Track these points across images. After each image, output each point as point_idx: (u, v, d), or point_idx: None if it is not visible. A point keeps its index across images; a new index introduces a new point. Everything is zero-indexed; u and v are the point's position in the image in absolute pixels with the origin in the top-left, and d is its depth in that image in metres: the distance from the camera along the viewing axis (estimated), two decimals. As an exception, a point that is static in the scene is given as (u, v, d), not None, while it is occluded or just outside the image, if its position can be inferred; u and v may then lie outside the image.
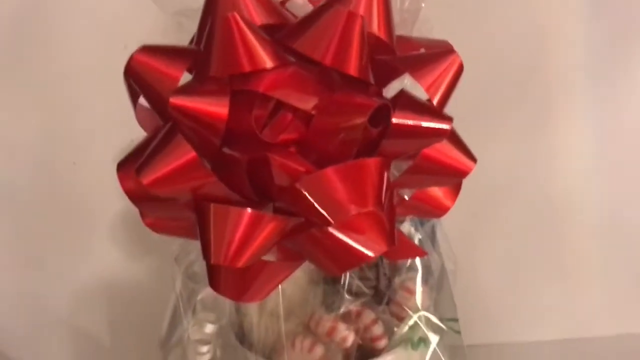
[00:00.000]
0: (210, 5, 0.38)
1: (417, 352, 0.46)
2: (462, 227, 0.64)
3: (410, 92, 0.39)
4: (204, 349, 0.44)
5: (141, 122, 0.41)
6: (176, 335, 0.51)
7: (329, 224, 0.35)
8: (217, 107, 0.36)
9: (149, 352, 0.55)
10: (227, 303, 0.46)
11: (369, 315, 0.45)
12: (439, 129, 0.37)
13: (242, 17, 0.35)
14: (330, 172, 0.35)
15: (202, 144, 0.36)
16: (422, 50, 0.40)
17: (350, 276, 0.45)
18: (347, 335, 0.45)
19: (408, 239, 0.43)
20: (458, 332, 0.46)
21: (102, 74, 0.54)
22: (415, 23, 0.44)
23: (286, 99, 0.37)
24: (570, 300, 0.70)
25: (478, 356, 0.66)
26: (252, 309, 0.47)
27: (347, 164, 0.36)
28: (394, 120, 0.36)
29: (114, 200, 0.67)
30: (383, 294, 0.44)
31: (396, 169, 0.40)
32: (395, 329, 0.45)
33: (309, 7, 0.40)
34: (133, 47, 0.42)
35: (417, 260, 0.44)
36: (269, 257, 0.39)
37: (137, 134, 0.41)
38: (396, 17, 0.40)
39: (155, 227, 0.42)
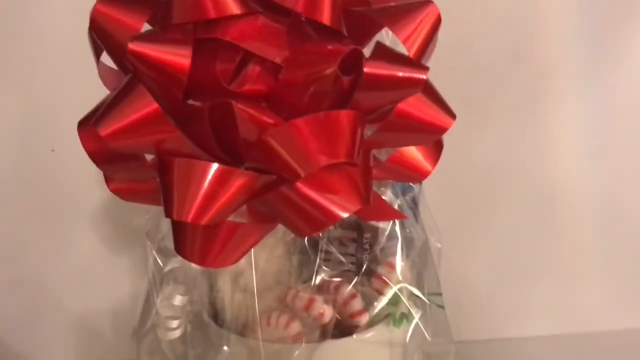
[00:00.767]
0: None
1: (399, 329, 0.44)
2: (456, 220, 0.63)
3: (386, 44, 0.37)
4: (174, 323, 0.42)
5: (104, 81, 0.39)
6: (150, 321, 0.49)
7: (298, 176, 0.33)
8: (178, 57, 0.34)
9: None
10: (198, 277, 0.44)
11: (347, 289, 0.43)
12: (413, 77, 0.35)
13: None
14: (299, 122, 0.34)
15: (164, 96, 0.34)
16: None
17: (327, 246, 0.43)
18: (325, 311, 0.43)
19: (385, 202, 0.41)
20: (442, 307, 0.44)
21: (82, 59, 0.53)
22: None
23: (255, 49, 0.35)
24: (568, 295, 0.69)
25: (474, 352, 0.65)
26: (225, 285, 0.45)
27: (318, 114, 0.34)
28: (366, 69, 0.35)
29: (93, 187, 0.66)
30: (362, 265, 0.42)
31: (370, 132, 0.38)
32: (376, 303, 0.43)
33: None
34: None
35: (398, 230, 0.42)
36: (238, 218, 0.37)
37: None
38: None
39: (120, 192, 0.41)
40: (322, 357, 0.42)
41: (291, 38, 0.36)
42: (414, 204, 0.44)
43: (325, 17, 0.35)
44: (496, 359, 0.67)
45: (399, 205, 0.43)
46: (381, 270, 0.44)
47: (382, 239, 0.42)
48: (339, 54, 0.34)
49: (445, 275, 0.47)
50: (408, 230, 0.43)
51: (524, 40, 0.64)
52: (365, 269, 0.43)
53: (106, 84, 0.39)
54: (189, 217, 0.34)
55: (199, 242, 0.36)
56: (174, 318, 0.42)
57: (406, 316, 0.44)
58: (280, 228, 0.43)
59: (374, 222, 0.42)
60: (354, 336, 0.43)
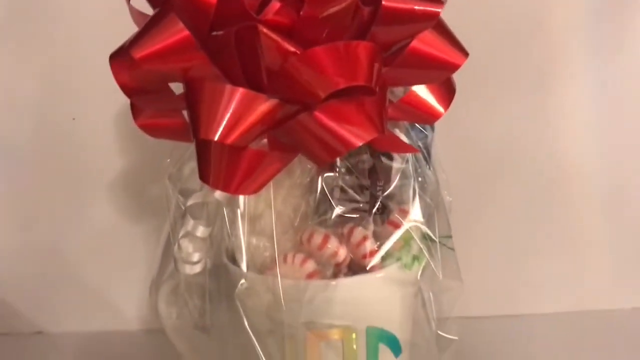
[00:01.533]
0: None
1: (411, 271, 0.45)
2: (465, 198, 0.64)
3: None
4: (195, 256, 0.43)
5: (138, 25, 0.41)
6: (168, 270, 0.50)
7: (319, 98, 0.35)
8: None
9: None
10: (217, 216, 0.45)
11: (360, 233, 0.45)
12: (429, 11, 0.37)
13: None
14: (319, 50, 0.36)
15: (192, 26, 0.36)
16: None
17: (342, 190, 0.45)
18: (339, 249, 0.44)
19: (398, 136, 0.43)
20: (452, 249, 0.45)
21: (104, 28, 0.55)
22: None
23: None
24: (576, 273, 0.70)
25: (482, 329, 0.66)
26: (242, 229, 0.46)
27: (337, 44, 0.36)
28: (385, 2, 0.37)
29: (113, 156, 0.68)
30: (376, 201, 0.43)
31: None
32: (388, 242, 0.44)
33: None
34: (135, 2, 0.43)
35: (411, 170, 0.44)
36: (260, 144, 0.39)
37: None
38: None
39: (147, 128, 0.43)
40: (335, 293, 0.44)
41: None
42: (427, 151, 0.46)
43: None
44: (504, 335, 0.67)
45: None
46: (394, 216, 0.45)
47: (396, 180, 0.44)
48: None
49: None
50: (420, 171, 0.44)
51: (533, 21, 0.64)
52: (379, 208, 0.44)
53: (138, 23, 0.41)
54: (216, 136, 0.36)
55: (224, 168, 0.38)
56: (196, 251, 0.44)
57: (417, 258, 0.45)
58: (297, 171, 0.45)
59: (387, 163, 0.44)
60: (366, 275, 0.44)
